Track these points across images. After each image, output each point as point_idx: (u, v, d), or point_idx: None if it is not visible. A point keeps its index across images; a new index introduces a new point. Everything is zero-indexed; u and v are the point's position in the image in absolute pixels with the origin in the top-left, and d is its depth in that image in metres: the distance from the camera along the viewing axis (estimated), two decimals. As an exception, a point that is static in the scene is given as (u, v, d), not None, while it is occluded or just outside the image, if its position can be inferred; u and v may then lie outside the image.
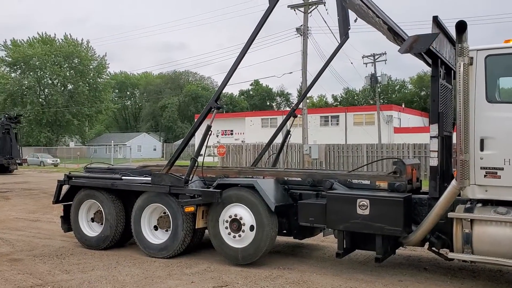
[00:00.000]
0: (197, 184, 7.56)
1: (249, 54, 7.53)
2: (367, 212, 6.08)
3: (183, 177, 7.38)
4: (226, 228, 7.09)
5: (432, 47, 5.83)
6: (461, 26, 5.42)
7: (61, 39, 72.14)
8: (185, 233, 7.34)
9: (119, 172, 8.42)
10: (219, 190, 7.07)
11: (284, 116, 10.61)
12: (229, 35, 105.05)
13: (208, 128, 7.31)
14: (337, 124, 55.64)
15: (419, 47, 5.77)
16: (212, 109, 7.46)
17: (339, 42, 9.45)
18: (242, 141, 38.08)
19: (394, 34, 6.48)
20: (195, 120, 8.10)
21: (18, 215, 12.74)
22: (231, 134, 62.69)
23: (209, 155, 44.52)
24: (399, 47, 7.16)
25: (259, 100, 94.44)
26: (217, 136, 51.73)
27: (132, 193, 7.97)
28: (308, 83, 36.36)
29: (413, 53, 5.92)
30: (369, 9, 6.87)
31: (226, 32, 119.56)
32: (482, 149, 5.62)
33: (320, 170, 13.90)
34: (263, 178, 7.50)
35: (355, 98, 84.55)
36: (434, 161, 6.23)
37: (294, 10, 30.16)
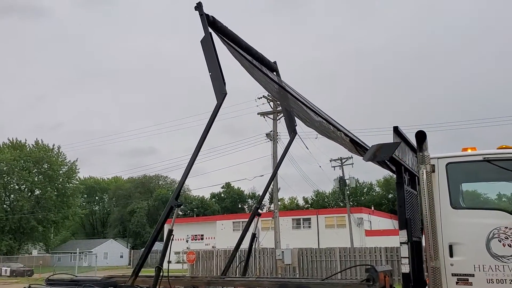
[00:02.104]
0: (164, 296, 7.20)
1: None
2: (341, 323, 5.86)
3: (149, 289, 7.05)
4: None
5: (395, 155, 6.05)
6: (421, 136, 5.72)
7: (32, 144, 71.97)
8: None
9: (82, 285, 7.99)
10: (187, 303, 6.75)
11: (255, 219, 10.46)
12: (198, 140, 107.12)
13: (170, 232, 7.12)
14: (309, 227, 55.39)
15: (382, 155, 5.97)
16: (174, 209, 7.30)
17: (289, 138, 10.33)
18: (213, 247, 37.19)
19: (356, 145, 6.74)
20: (165, 225, 7.90)
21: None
22: (202, 239, 61.31)
23: (178, 262, 43.03)
24: (361, 156, 7.42)
25: (231, 203, 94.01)
26: (187, 241, 50.41)
27: (95, 307, 7.52)
28: (279, 185, 36.80)
29: (377, 161, 6.12)
30: (329, 124, 7.18)
31: (195, 137, 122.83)
32: (451, 255, 5.64)
33: (293, 278, 13.56)
34: (234, 288, 7.24)
35: (325, 200, 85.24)
36: (405, 268, 6.18)
37: (264, 117, 31.40)
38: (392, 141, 6.15)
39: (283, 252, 27.05)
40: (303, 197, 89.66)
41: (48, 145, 72.26)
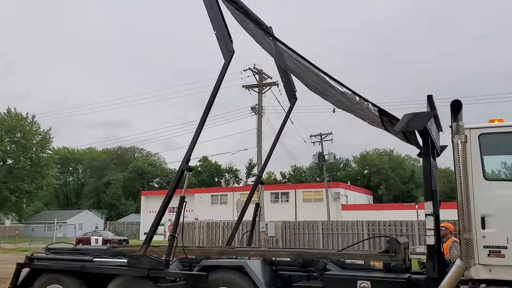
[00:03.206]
0: (176, 266, 7.01)
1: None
2: (368, 294, 5.77)
3: (162, 258, 6.83)
4: (212, 316, 6.51)
5: (427, 125, 5.89)
6: (457, 105, 5.55)
7: (4, 113, 69.57)
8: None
9: (90, 253, 7.70)
10: (205, 273, 6.56)
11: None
12: (173, 113, 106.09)
13: (182, 199, 6.94)
14: (287, 201, 55.81)
15: (416, 125, 5.80)
16: (185, 173, 7.10)
17: (290, 104, 10.05)
18: (195, 218, 37.02)
19: (385, 115, 6.49)
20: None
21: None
22: (179, 211, 61.08)
23: (159, 234, 42.83)
24: (384, 129, 7.20)
25: (208, 176, 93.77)
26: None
27: (103, 277, 7.26)
28: (263, 160, 36.61)
29: (410, 130, 5.94)
30: (355, 95, 6.90)
31: (169, 110, 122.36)
32: (483, 227, 5.56)
33: (309, 249, 13.54)
34: (249, 258, 7.08)
35: (303, 175, 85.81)
36: (431, 240, 6.10)
37: (249, 90, 30.94)
38: (426, 111, 5.97)
39: (267, 224, 27.09)
40: (281, 172, 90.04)
41: (21, 114, 70.08)
